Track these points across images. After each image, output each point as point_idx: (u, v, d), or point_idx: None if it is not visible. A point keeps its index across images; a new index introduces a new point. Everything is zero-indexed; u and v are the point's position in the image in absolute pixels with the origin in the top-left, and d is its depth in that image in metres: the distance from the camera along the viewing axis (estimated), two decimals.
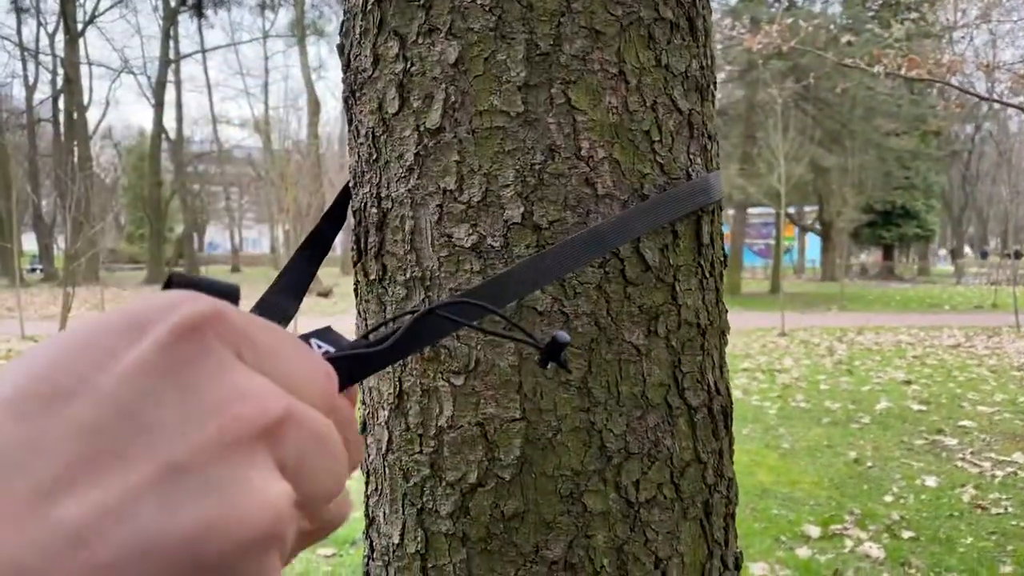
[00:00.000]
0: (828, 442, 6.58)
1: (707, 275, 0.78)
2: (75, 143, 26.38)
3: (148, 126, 35.70)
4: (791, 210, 27.74)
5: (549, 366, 0.47)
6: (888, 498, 5.10)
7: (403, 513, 0.76)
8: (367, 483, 0.82)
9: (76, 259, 9.86)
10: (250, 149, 42.61)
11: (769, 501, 5.09)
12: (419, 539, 0.74)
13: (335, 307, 19.92)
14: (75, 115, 28.52)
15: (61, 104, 30.63)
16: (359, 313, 0.83)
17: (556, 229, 0.70)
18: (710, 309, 0.78)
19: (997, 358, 11.34)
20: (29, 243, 35.07)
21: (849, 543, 4.33)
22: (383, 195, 0.77)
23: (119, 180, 39.37)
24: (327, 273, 26.86)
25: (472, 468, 0.72)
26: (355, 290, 0.84)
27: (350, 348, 0.37)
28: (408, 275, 0.75)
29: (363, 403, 0.83)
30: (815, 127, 19.51)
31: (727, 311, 0.82)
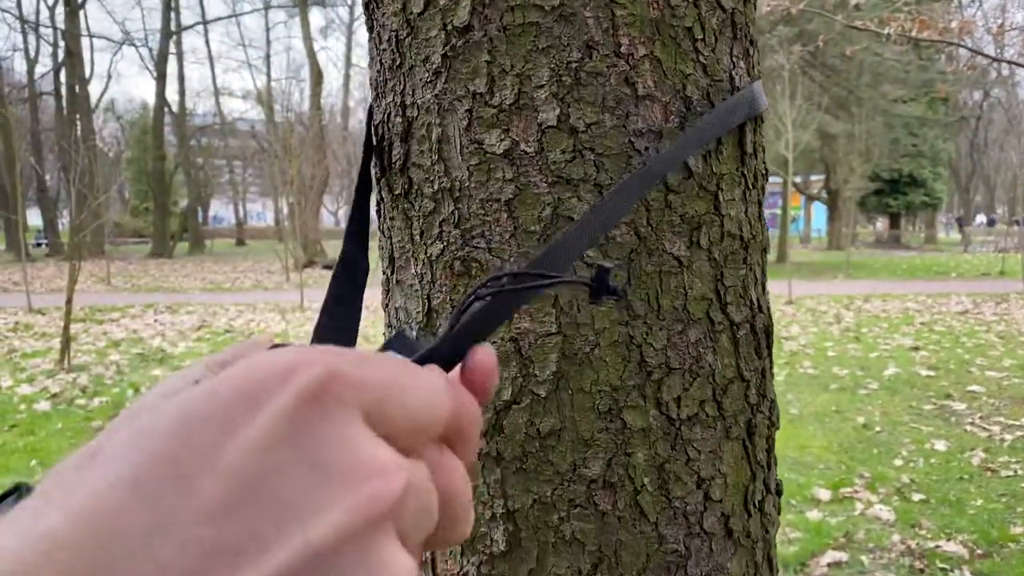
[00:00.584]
0: (836, 407, 6.57)
1: (750, 186, 0.74)
2: (78, 116, 26.24)
3: (150, 99, 35.51)
4: (797, 179, 27.53)
5: (603, 299, 0.43)
6: (898, 462, 5.10)
7: None
8: None
9: (81, 231, 9.82)
10: (253, 121, 42.38)
11: (779, 465, 5.11)
12: None
13: None
14: (77, 88, 28.34)
15: (63, 77, 30.41)
16: (382, 233, 0.80)
17: (594, 132, 0.67)
18: (752, 223, 0.74)
19: (1005, 324, 11.29)
20: (33, 217, 35.03)
21: (859, 506, 4.34)
22: (408, 103, 0.73)
23: (123, 154, 39.22)
24: (332, 247, 26.80)
25: (506, 385, 0.69)
26: (377, 211, 0.81)
27: (427, 351, 0.34)
28: (436, 187, 0.71)
29: (389, 325, 0.80)
30: (822, 94, 19.27)
31: (768, 228, 0.79)
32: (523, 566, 0.69)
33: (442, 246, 0.71)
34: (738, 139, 0.73)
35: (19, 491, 0.42)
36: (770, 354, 0.77)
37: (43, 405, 6.59)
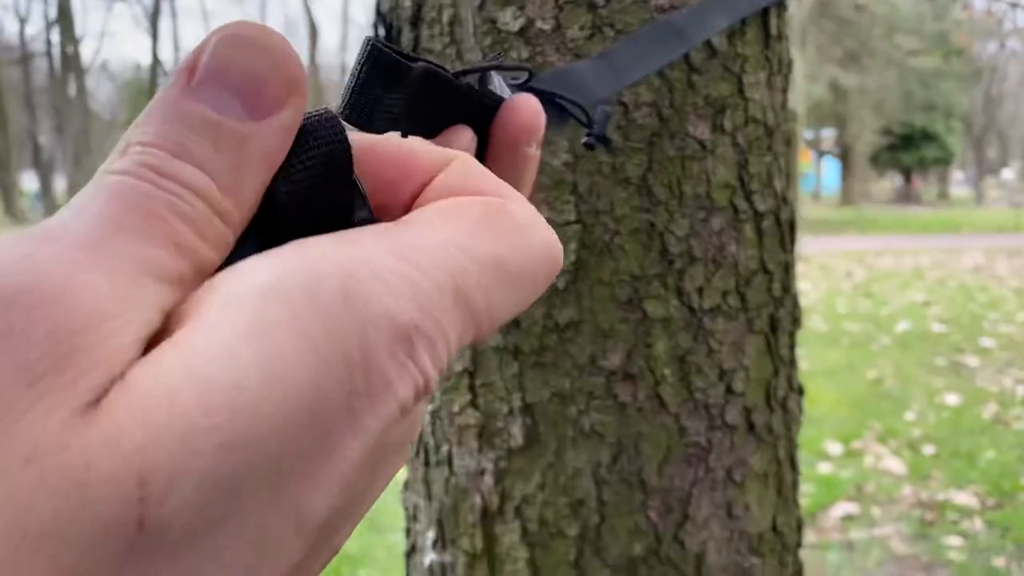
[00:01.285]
0: (848, 363, 6.54)
1: (774, 71, 0.71)
2: (71, 76, 26.05)
3: (144, 59, 35.27)
4: (808, 135, 27.18)
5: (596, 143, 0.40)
6: (909, 416, 5.07)
7: None
8: None
9: (75, 192, 9.83)
10: None
11: None
12: (465, 356, 0.70)
13: None
14: (69, 48, 28.08)
15: (54, 38, 30.13)
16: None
17: (613, 7, 0.63)
18: (777, 111, 0.71)
19: (1019, 279, 11.21)
20: (28, 181, 34.98)
21: (870, 459, 4.32)
22: None
23: (118, 116, 39.03)
24: None
25: None
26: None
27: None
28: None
29: None
30: (834, 46, 18.92)
31: (795, 118, 0.76)
32: (541, 460, 0.67)
33: None
34: (762, 20, 0.69)
35: None
36: (794, 248, 0.74)
37: None
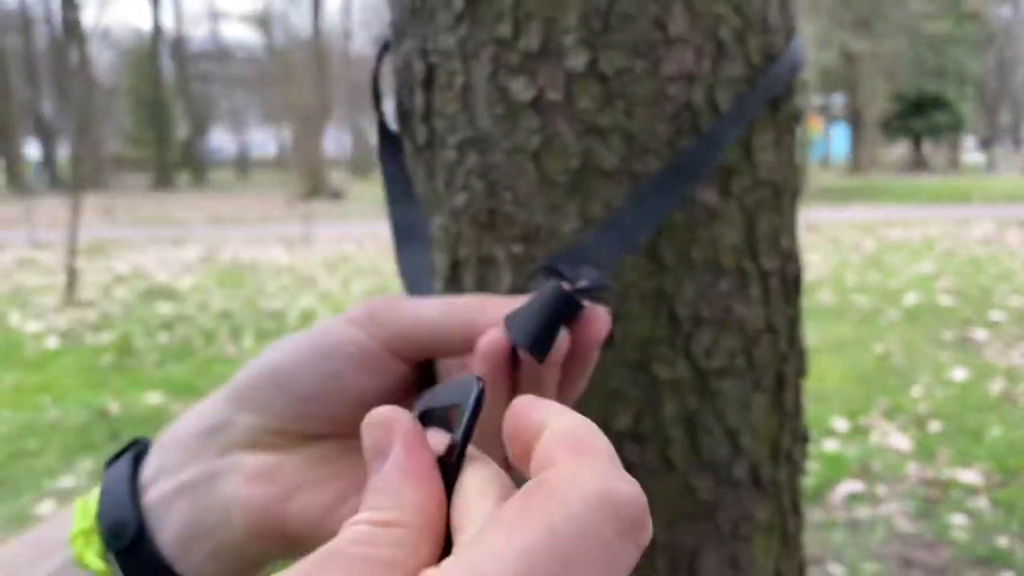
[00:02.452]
0: (856, 337, 6.53)
1: (782, 133, 0.72)
2: (73, 44, 25.73)
3: (145, 26, 34.75)
4: (820, 101, 26.86)
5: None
6: (916, 391, 5.09)
7: None
8: None
9: (82, 163, 9.73)
10: (251, 48, 41.51)
11: None
12: None
13: (349, 208, 19.78)
14: (70, 14, 27.71)
15: (55, 4, 29.70)
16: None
17: (624, 78, 0.64)
18: (785, 168, 0.72)
19: None
20: (31, 150, 34.66)
21: (876, 436, 4.35)
22: (429, 49, 0.70)
23: (120, 83, 38.59)
24: (336, 177, 26.58)
25: None
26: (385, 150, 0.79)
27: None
28: (460, 137, 0.69)
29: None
30: (845, 10, 18.64)
31: (800, 170, 0.77)
32: None
33: (467, 197, 0.69)
34: None
35: (137, 445, 0.42)
36: (799, 300, 0.76)
37: (52, 342, 6.63)
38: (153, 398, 5.24)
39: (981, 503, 3.57)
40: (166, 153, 31.24)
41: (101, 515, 0.40)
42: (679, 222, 0.67)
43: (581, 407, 0.67)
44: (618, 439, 0.68)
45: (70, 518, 0.41)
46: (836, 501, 3.65)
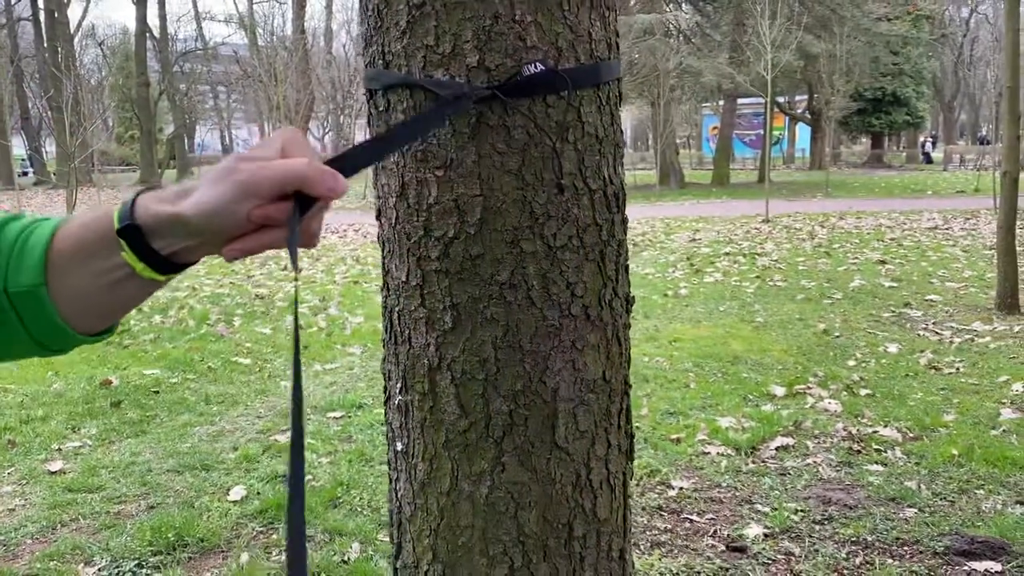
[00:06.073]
0: (800, 316, 6.97)
1: (604, 103, 1.17)
2: (58, 42, 25.91)
3: (131, 24, 34.85)
4: (782, 100, 27.54)
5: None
6: (851, 363, 5.52)
7: (407, 261, 1.18)
8: (382, 247, 1.24)
9: (72, 159, 10.08)
10: (236, 47, 41.77)
11: (740, 367, 5.47)
12: (418, 276, 1.17)
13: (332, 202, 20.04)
14: (56, 13, 27.89)
15: (41, 2, 29.84)
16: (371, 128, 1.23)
17: (500, 70, 1.09)
18: (606, 127, 1.18)
19: (972, 239, 11.71)
20: (16, 147, 34.69)
21: (810, 400, 4.71)
22: (386, 51, 1.15)
23: (106, 80, 38.73)
24: None
25: (450, 228, 1.14)
26: (368, 121, 1.24)
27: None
28: (404, 105, 1.14)
29: (378, 196, 1.24)
30: (804, 13, 19.31)
31: (623, 132, 1.22)
32: (462, 336, 1.15)
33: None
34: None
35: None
36: (621, 210, 1.21)
37: None
38: (151, 371, 5.61)
39: (897, 454, 3.98)
40: (153, 149, 31.53)
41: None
42: (535, 155, 1.12)
43: (479, 266, 1.12)
44: (500, 287, 1.13)
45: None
46: (768, 453, 4.04)
